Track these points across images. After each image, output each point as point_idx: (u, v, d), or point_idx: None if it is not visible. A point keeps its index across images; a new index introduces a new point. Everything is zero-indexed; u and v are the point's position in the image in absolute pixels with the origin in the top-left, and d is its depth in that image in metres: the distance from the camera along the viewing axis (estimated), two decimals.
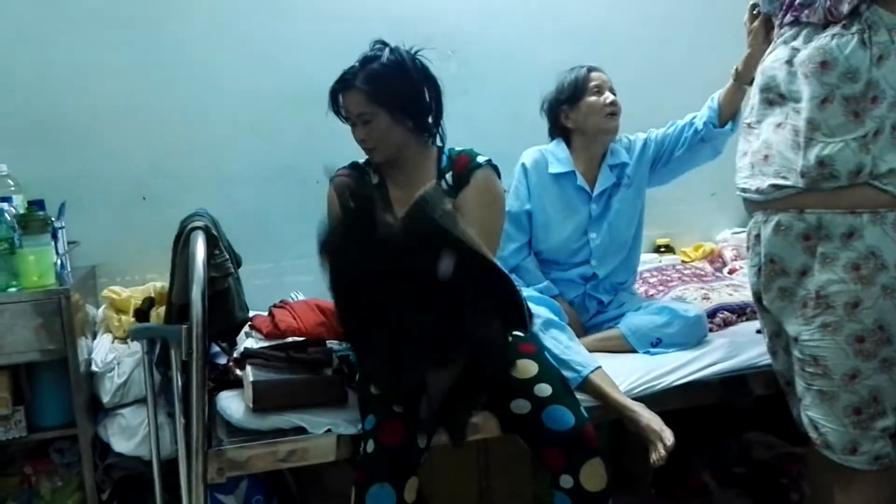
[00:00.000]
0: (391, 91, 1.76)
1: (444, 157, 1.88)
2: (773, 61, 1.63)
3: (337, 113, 1.84)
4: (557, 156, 2.25)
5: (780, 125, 1.60)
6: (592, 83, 2.19)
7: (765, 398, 2.15)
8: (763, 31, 1.92)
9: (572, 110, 2.21)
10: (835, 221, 1.54)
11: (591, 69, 2.22)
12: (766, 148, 1.63)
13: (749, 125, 1.69)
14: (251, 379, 1.67)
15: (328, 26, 2.57)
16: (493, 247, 1.80)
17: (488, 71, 2.74)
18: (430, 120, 1.85)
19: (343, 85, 1.79)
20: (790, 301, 1.64)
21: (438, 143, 1.90)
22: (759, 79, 1.67)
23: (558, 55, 2.46)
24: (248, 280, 2.23)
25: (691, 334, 2.11)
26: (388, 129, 1.78)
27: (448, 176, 1.85)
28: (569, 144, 2.27)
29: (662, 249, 2.94)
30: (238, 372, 1.77)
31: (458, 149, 1.89)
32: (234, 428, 1.69)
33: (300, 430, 1.68)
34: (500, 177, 1.87)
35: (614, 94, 2.21)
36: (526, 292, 2.09)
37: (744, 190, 1.68)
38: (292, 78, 2.54)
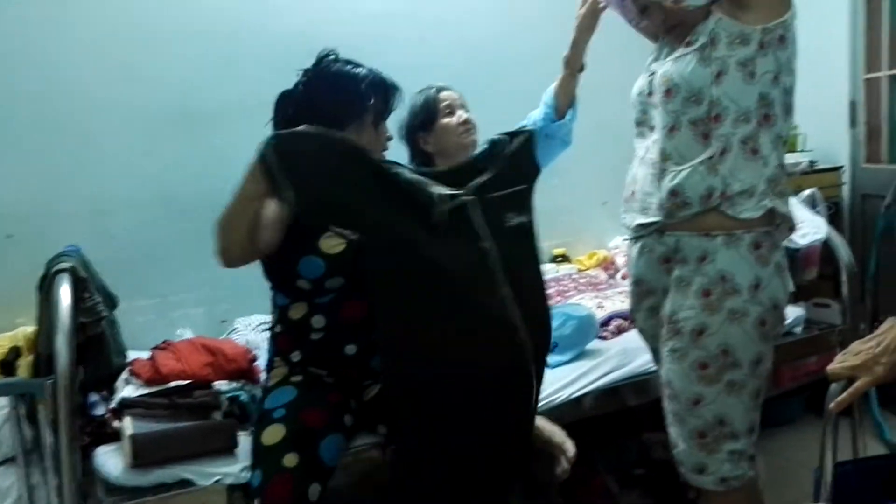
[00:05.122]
0: None
1: None
2: (637, 93, 1.64)
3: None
4: None
5: (643, 158, 1.62)
6: (443, 104, 2.11)
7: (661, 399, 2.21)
8: (590, 18, 1.94)
9: (429, 134, 2.12)
10: (691, 244, 1.54)
11: (439, 90, 2.13)
12: (633, 183, 1.65)
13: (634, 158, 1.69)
14: (129, 432, 1.56)
15: (208, 45, 2.47)
16: None
17: None
18: None
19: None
20: (658, 321, 1.65)
21: None
22: (632, 110, 1.67)
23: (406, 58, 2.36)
24: (132, 317, 2.13)
25: (585, 333, 2.18)
26: None
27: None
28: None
29: (559, 259, 2.97)
30: (116, 424, 1.66)
31: None
32: (113, 486, 1.58)
33: (187, 483, 1.59)
34: None
35: (467, 111, 2.14)
36: None
37: (623, 224, 1.72)
38: (172, 99, 2.42)
